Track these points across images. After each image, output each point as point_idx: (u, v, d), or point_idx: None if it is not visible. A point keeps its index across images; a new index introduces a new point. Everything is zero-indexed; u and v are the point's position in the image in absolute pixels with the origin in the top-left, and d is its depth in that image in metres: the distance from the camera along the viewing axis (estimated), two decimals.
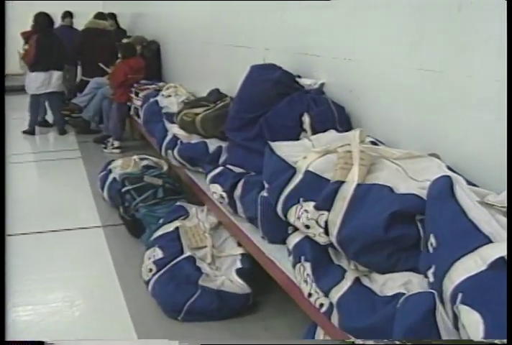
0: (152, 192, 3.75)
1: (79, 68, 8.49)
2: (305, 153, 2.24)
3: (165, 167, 4.42)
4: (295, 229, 2.22)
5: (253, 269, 2.88)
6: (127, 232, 3.85)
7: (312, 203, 2.02)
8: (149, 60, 6.27)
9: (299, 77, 2.96)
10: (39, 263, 3.48)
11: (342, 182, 1.93)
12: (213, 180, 2.93)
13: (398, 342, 1.52)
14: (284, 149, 2.33)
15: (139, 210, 3.66)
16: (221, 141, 3.38)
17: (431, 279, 1.54)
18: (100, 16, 7.54)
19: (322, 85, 2.84)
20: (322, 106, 2.59)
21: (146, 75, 6.12)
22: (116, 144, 6.11)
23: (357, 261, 1.90)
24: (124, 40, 6.81)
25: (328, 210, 1.93)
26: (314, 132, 2.57)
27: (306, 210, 2.04)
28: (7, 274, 3.03)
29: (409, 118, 2.29)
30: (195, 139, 3.56)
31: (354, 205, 1.86)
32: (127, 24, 8.37)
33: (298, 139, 2.63)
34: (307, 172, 2.11)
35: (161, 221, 3.41)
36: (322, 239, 1.99)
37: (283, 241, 2.43)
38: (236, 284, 2.79)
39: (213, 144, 3.37)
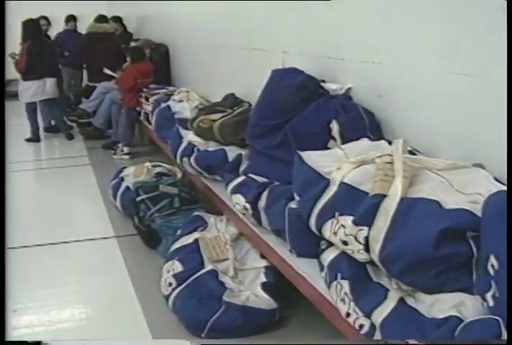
0: (167, 201, 3.63)
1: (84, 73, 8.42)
2: (338, 163, 2.12)
3: (179, 175, 4.31)
4: (329, 244, 2.10)
5: (278, 282, 2.76)
6: (142, 243, 3.72)
7: (349, 218, 1.89)
8: (157, 64, 6.16)
9: (323, 81, 2.84)
10: (51, 276, 3.36)
11: (384, 196, 1.81)
12: (236, 190, 2.81)
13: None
14: (314, 158, 2.21)
15: (155, 221, 3.54)
16: (240, 149, 3.26)
17: (491, 303, 1.43)
18: (100, 19, 7.41)
19: (349, 90, 2.72)
20: (352, 113, 2.47)
21: (155, 79, 6.01)
22: (126, 150, 5.99)
23: (401, 280, 1.78)
24: (132, 43, 6.69)
25: (369, 225, 1.81)
26: (344, 140, 2.45)
27: (343, 225, 1.91)
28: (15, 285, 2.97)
29: (447, 126, 2.17)
30: (212, 147, 3.43)
31: (399, 220, 1.74)
32: (133, 27, 8.26)
33: (325, 147, 2.51)
34: (342, 184, 1.99)
35: (178, 232, 3.29)
36: (361, 256, 1.87)
37: (313, 255, 2.33)
38: (262, 300, 2.67)
39: (232, 152, 3.25)
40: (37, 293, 3.15)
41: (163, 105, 4.83)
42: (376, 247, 1.77)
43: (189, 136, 3.69)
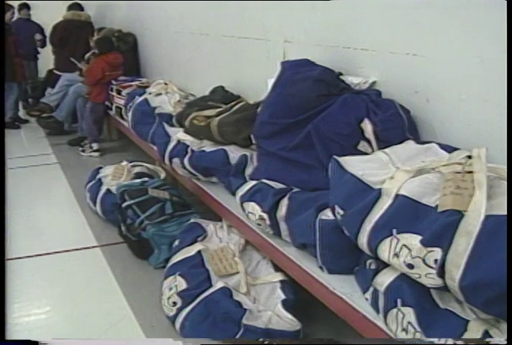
0: (158, 207, 3.29)
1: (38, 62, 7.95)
2: (386, 171, 1.85)
3: (162, 175, 3.98)
4: (382, 264, 1.83)
5: (296, 297, 2.50)
6: (130, 252, 3.38)
7: (413, 237, 1.63)
8: (125, 54, 5.74)
9: (340, 74, 2.56)
10: (32, 297, 2.99)
11: (459, 212, 1.55)
12: (248, 198, 2.50)
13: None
14: (356, 165, 1.94)
15: (146, 229, 3.20)
16: (242, 149, 2.96)
17: None
18: (77, 7, 6.89)
19: (373, 84, 2.44)
20: (389, 111, 2.19)
21: (123, 70, 5.61)
22: (95, 146, 5.58)
23: (486, 310, 1.53)
24: (95, 33, 6.23)
25: (442, 246, 1.55)
26: (380, 142, 2.18)
27: (406, 246, 1.65)
28: None
29: (500, 126, 1.91)
30: (209, 146, 3.11)
31: (484, 242, 1.48)
32: (92, 15, 7.72)
33: (356, 149, 2.24)
34: (399, 197, 1.72)
35: (176, 242, 2.97)
36: (432, 281, 1.60)
37: (347, 272, 2.08)
38: (285, 320, 2.37)
39: (234, 153, 2.94)
40: (15, 315, 2.78)
41: (139, 99, 4.46)
42: (456, 273, 1.51)
43: (179, 134, 3.35)
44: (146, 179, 3.69)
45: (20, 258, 3.38)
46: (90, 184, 4.06)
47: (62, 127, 6.31)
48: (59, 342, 2.00)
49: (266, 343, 2.25)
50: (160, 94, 4.43)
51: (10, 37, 6.69)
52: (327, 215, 2.12)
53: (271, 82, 3.02)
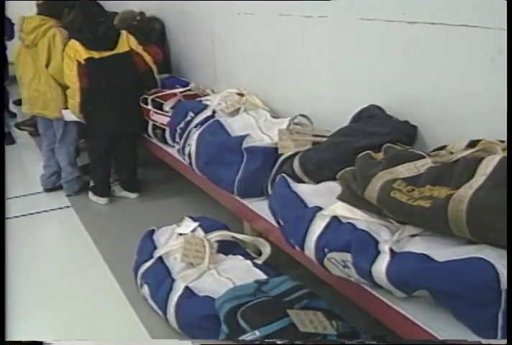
0: None
1: None
2: None
3: (267, 250, 2.46)
4: None
5: None
6: None
7: None
8: None
9: None
10: None
11: None
12: None
13: None
14: None
15: None
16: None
17: None
18: None
19: None
20: None
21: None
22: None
23: None
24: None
25: None
26: None
27: None
28: None
29: None
30: (426, 242, 1.59)
31: None
32: None
33: None
34: None
35: None
36: None
37: None
38: None
39: (499, 263, 1.40)
40: None
41: (211, 120, 2.87)
42: None
43: (337, 208, 1.82)
44: (260, 275, 2.15)
45: None
46: (146, 267, 2.50)
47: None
48: (60, 343, 1.82)
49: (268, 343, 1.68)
50: (235, 111, 2.88)
51: None
52: None
53: None
